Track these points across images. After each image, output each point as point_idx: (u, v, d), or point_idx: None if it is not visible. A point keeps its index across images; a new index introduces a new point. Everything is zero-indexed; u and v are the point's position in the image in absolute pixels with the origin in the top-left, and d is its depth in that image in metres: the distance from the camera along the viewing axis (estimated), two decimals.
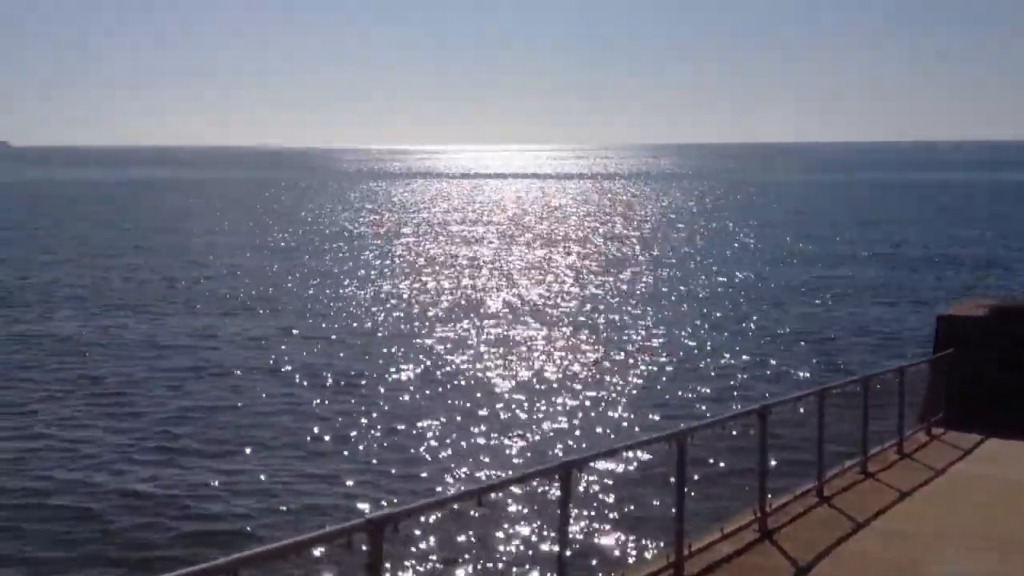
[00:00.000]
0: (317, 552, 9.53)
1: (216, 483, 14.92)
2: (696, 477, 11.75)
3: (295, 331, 26.89)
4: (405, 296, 33.77)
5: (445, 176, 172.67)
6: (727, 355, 24.08)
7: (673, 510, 8.62)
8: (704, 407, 19.18)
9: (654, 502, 12.78)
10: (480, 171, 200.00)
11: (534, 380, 21.50)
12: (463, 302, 32.50)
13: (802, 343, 25.55)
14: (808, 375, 21.70)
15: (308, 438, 17.28)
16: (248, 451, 16.52)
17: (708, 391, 20.70)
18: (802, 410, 10.97)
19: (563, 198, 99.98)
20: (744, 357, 23.90)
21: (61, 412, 18.86)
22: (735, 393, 20.34)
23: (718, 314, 29.87)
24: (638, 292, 34.66)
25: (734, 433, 10.83)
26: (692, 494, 9.84)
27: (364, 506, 13.47)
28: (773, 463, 9.98)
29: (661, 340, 25.96)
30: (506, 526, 12.72)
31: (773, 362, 23.39)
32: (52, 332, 26.78)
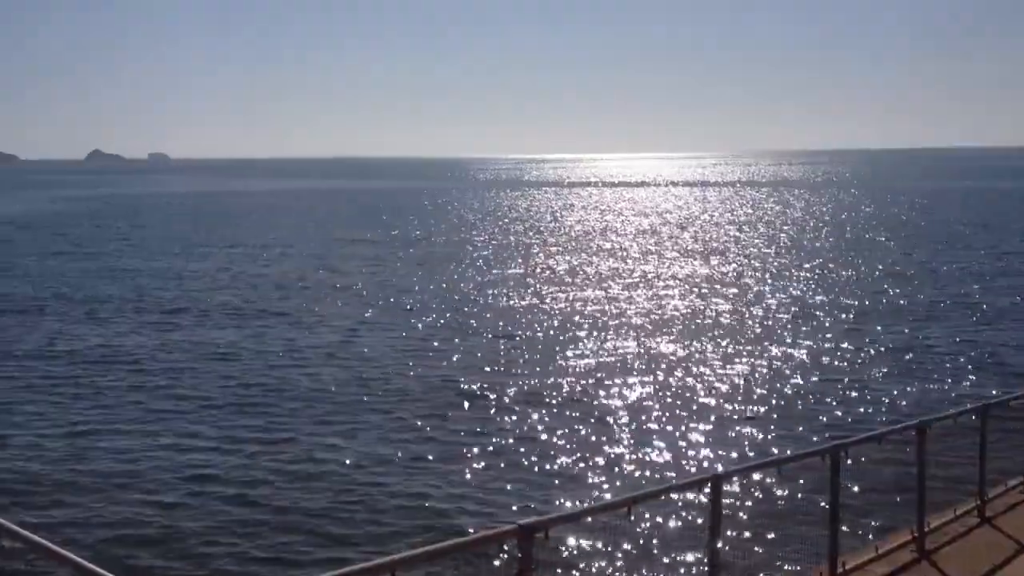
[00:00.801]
0: (469, 556, 9.74)
1: (367, 486, 15.30)
2: (850, 493, 11.45)
3: (436, 341, 27.33)
4: (547, 305, 33.93)
5: (584, 185, 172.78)
6: (881, 368, 23.33)
7: (826, 527, 8.43)
8: (858, 421, 18.64)
9: (806, 518, 12.47)
10: (620, 180, 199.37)
11: (681, 390, 21.34)
12: (606, 311, 32.46)
13: (961, 358, 24.49)
14: (968, 391, 20.79)
15: (456, 444, 17.56)
16: (398, 455, 16.88)
17: (861, 405, 20.10)
18: (963, 427, 10.55)
19: (705, 206, 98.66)
20: (898, 371, 23.12)
21: (213, 417, 19.65)
22: (890, 408, 19.70)
23: (869, 326, 28.96)
24: (784, 302, 33.92)
25: (890, 449, 10.51)
26: (846, 511, 9.60)
27: (515, 513, 13.58)
28: (931, 481, 9.63)
29: (810, 352, 25.35)
30: (655, 537, 12.67)
31: (930, 377, 22.52)
32: (209, 340, 27.90)
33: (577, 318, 31.08)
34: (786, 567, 11.93)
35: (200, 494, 15.10)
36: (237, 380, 22.65)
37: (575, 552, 12.13)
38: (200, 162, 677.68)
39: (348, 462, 16.49)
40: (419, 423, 18.82)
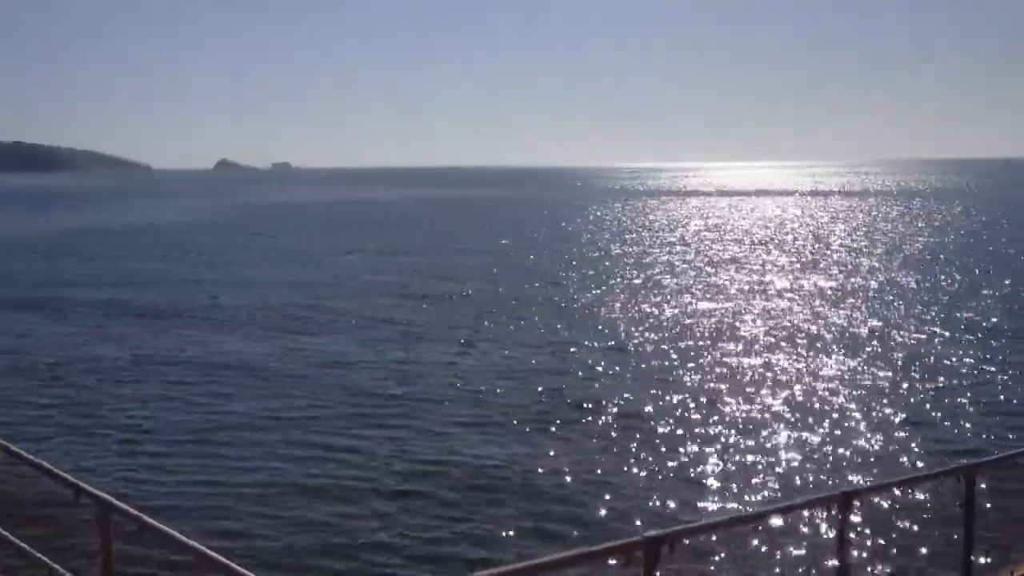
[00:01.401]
0: (593, 567, 9.71)
1: (489, 495, 15.45)
2: (985, 515, 11.02)
3: (553, 351, 27.33)
4: (667, 316, 33.67)
5: (699, 194, 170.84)
6: (1017, 386, 22.35)
7: (959, 549, 8.13)
8: (995, 441, 17.93)
9: (938, 539, 12.09)
10: (736, 189, 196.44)
11: (806, 404, 20.93)
12: (725, 323, 32.03)
13: None
14: None
15: (579, 454, 17.57)
16: (519, 466, 16.98)
17: (999, 424, 19.31)
18: None
19: (823, 216, 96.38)
20: None
21: (334, 424, 20.09)
22: None
23: (1004, 341, 27.79)
24: (918, 315, 32.86)
25: None
26: (980, 533, 9.24)
27: (640, 524, 13.55)
28: None
29: (941, 368, 24.49)
30: (782, 552, 12.45)
31: None
32: (331, 348, 28.52)
33: (699, 329, 30.74)
34: None
35: (330, 500, 15.45)
36: (357, 388, 23.08)
37: (701, 566, 12.00)
38: (319, 171, 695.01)
39: (467, 471, 16.64)
40: (540, 434, 18.89)
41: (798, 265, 50.59)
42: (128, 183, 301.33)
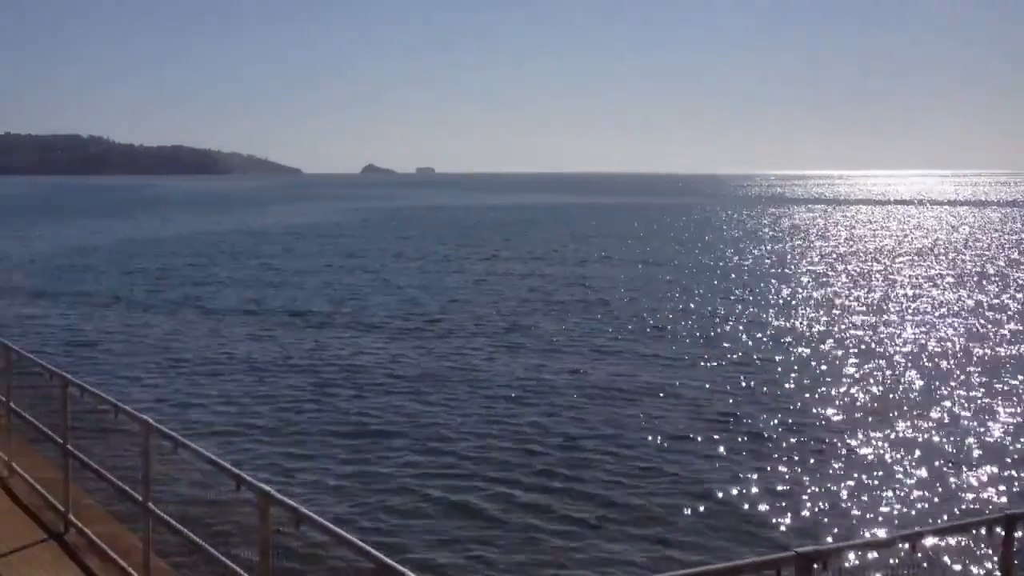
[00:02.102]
0: None
1: (635, 509, 15.35)
2: None
3: (693, 364, 26.91)
4: (815, 328, 32.79)
5: (851, 203, 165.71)
6: None
7: None
8: None
9: None
10: (890, 197, 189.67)
11: (966, 422, 20.05)
12: (879, 335, 30.98)
13: None
14: None
15: (729, 466, 17.28)
16: (667, 477, 16.82)
17: None
18: None
19: (987, 228, 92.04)
20: None
21: (470, 431, 20.24)
22: None
23: None
24: None
25: None
26: None
27: (793, 540, 13.25)
28: None
29: None
30: (938, 575, 11.94)
31: None
32: (465, 353, 28.84)
33: (848, 342, 29.81)
34: None
35: (481, 501, 15.63)
36: (496, 393, 23.23)
37: None
38: (462, 176, 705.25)
39: (610, 484, 16.54)
40: (686, 446, 18.64)
41: (961, 279, 48.49)
42: (280, 186, 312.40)
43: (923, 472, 16.77)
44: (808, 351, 28.46)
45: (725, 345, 29.20)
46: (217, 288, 44.07)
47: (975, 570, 11.80)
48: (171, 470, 7.24)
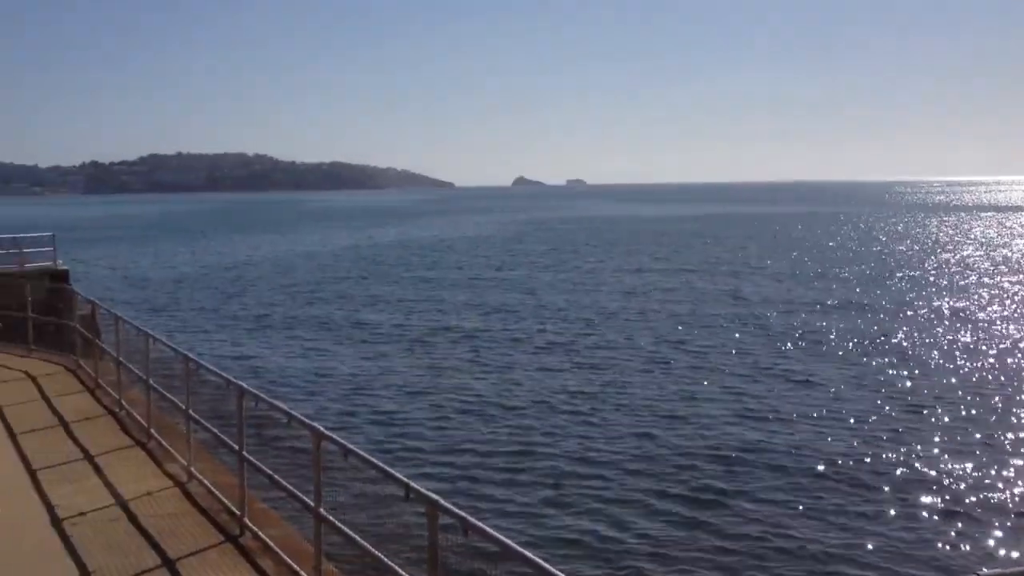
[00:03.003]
0: None
1: (807, 534, 14.97)
2: None
3: (857, 382, 26.03)
4: (980, 345, 31.24)
5: (1015, 210, 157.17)
6: None
7: None
8: None
9: None
10: None
11: None
12: None
13: None
14: None
15: (910, 487, 16.68)
16: (850, 500, 16.34)
17: None
18: None
19: None
20: None
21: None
22: None
23: None
24: None
25: None
26: None
27: (976, 563, 12.71)
28: None
29: None
30: None
31: None
32: (617, 367, 28.63)
33: (1011, 359, 28.29)
34: None
35: (658, 517, 15.56)
36: (642, 409, 23.05)
37: None
38: (613, 187, 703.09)
39: (778, 503, 16.17)
40: (858, 467, 18.06)
41: None
42: (433, 200, 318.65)
43: None
44: (976, 366, 27.13)
45: (893, 363, 28.13)
46: (371, 300, 45.27)
47: None
48: (340, 477, 7.46)
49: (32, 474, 10.38)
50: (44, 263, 31.30)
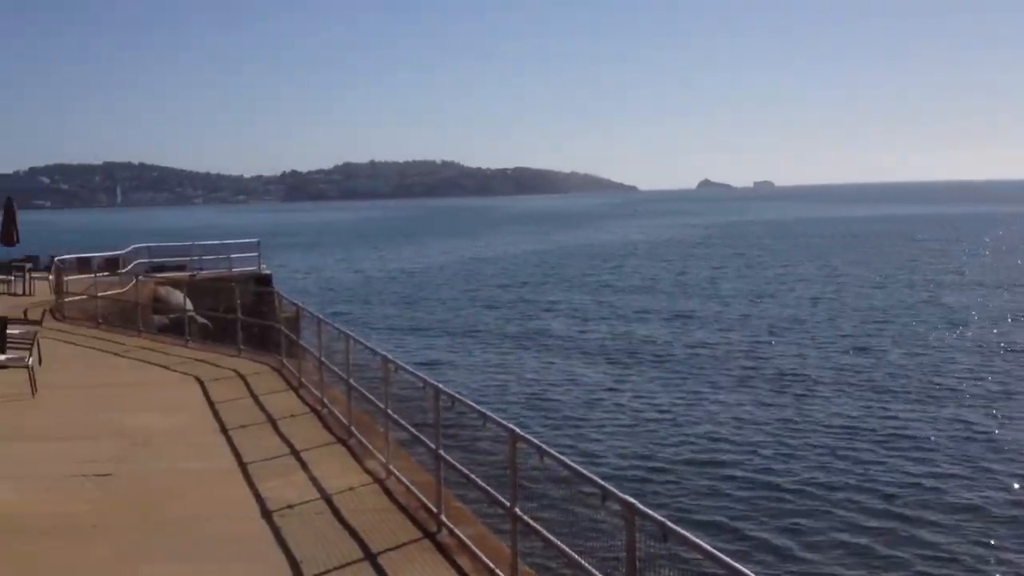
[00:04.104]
0: None
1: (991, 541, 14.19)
2: None
3: None
4: None
5: None
6: None
7: None
8: None
9: None
10: None
11: None
12: None
13: None
14: None
15: None
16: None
17: None
18: None
19: None
20: None
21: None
22: None
23: None
24: None
25: None
26: None
27: None
28: None
29: None
30: None
31: None
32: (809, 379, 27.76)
33: None
34: None
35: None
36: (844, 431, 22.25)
37: None
38: (803, 189, 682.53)
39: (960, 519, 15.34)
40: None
41: None
42: (616, 204, 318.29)
43: None
44: None
45: None
46: (553, 304, 45.59)
47: None
48: (533, 478, 7.54)
49: (244, 467, 10.96)
50: (250, 268, 33.20)
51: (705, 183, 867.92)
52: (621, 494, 5.81)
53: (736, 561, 4.72)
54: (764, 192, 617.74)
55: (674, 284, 53.80)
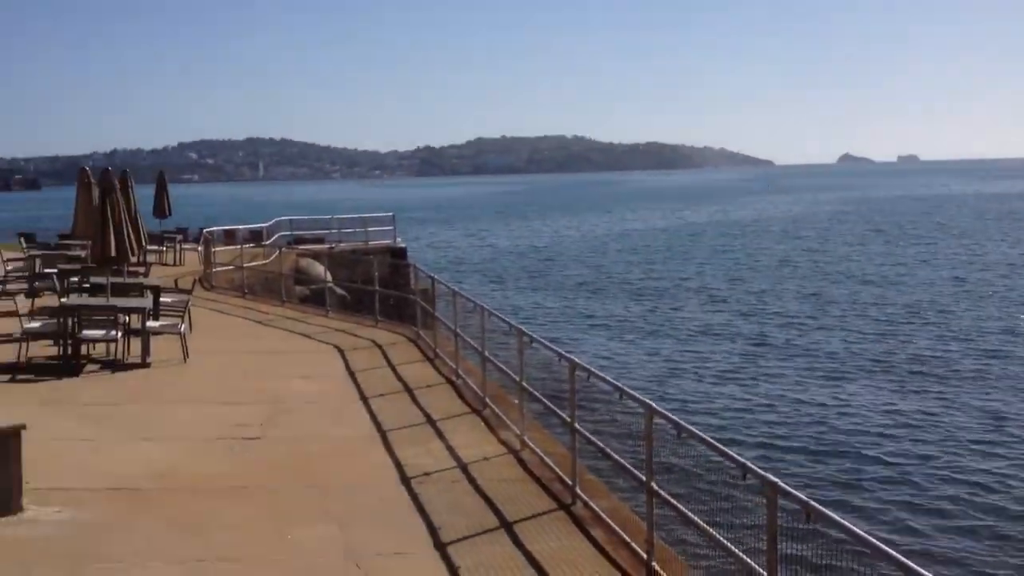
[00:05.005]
0: None
1: None
2: None
3: None
4: None
5: None
6: None
7: None
8: None
9: None
10: None
11: None
12: None
13: None
14: None
15: None
16: None
17: None
18: None
19: None
20: None
21: None
22: None
23: None
24: None
25: None
26: None
27: None
28: None
29: None
30: None
31: None
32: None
33: None
34: None
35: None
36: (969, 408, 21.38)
37: None
38: (952, 163, 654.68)
39: None
40: None
41: None
42: (750, 179, 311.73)
43: None
44: None
45: None
46: (681, 280, 45.08)
47: None
48: (671, 454, 7.52)
49: (383, 434, 11.27)
50: (385, 240, 33.94)
51: (845, 157, 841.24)
52: (763, 472, 5.75)
53: (889, 546, 4.63)
54: (909, 166, 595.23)
55: (809, 262, 52.43)
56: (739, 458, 6.03)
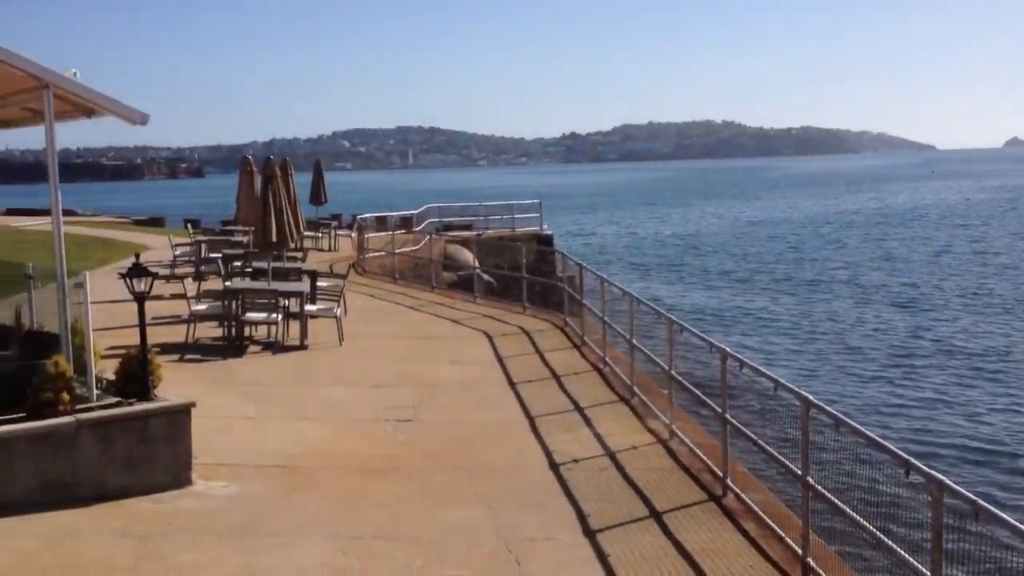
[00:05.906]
0: None
1: None
2: None
3: None
4: None
5: None
6: None
7: None
8: None
9: None
10: None
11: None
12: None
13: None
14: None
15: None
16: None
17: None
18: None
19: None
20: None
21: None
22: None
23: None
24: None
25: None
26: None
27: None
28: None
29: None
30: None
31: None
32: None
33: None
34: None
35: None
36: None
37: None
38: None
39: None
40: None
41: None
42: (909, 164, 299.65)
43: None
44: None
45: None
46: (832, 273, 43.67)
47: None
48: (826, 447, 7.32)
49: (531, 420, 11.36)
50: (532, 227, 34.12)
51: (1013, 141, 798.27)
52: (928, 469, 5.55)
53: None
54: None
55: (971, 253, 50.03)
56: (902, 454, 5.83)
